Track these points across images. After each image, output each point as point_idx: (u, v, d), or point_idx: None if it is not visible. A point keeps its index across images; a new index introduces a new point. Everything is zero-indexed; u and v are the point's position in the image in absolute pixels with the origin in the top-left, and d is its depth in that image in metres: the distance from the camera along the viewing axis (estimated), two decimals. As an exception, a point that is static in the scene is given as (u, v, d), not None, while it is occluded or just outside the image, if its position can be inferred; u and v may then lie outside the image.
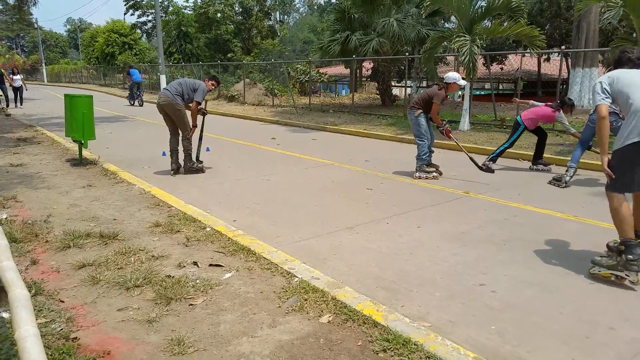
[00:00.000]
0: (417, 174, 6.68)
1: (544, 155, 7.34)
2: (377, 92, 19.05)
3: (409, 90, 16.54)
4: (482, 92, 25.83)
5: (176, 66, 28.82)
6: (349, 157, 8.32)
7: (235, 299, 3.01)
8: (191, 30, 33.63)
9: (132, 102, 20.16)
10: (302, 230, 4.48)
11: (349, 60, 16.59)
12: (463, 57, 10.23)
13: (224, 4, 29.86)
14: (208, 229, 4.29)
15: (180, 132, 6.84)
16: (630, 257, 3.27)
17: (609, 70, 3.71)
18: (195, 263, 3.55)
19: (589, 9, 12.89)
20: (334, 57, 16.49)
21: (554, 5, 19.84)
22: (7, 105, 16.90)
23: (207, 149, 8.03)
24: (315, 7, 57.08)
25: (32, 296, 2.63)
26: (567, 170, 6.27)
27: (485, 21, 12.52)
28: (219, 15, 30.28)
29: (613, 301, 3.11)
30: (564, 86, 16.93)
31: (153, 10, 33.86)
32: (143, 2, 37.41)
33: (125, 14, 38.26)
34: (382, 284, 3.33)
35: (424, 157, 6.65)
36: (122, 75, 32.40)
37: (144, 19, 39.06)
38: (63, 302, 2.95)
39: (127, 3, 37.26)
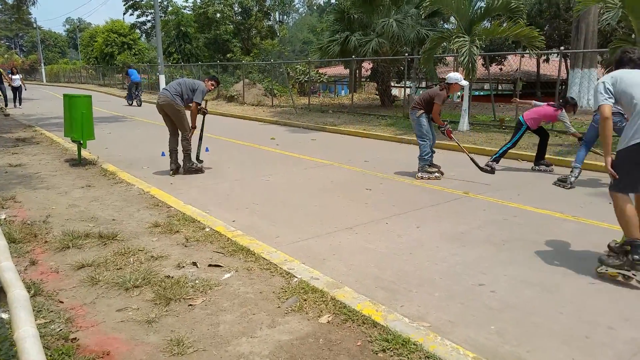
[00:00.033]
0: (420, 175, 6.68)
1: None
2: (377, 92, 19.06)
3: (408, 90, 16.55)
4: (481, 93, 25.84)
5: (175, 66, 28.82)
6: (348, 158, 8.32)
7: (234, 299, 3.01)
8: (190, 30, 33.63)
9: (130, 102, 20.15)
10: (302, 230, 4.48)
11: (348, 60, 16.59)
12: (462, 58, 10.24)
13: (223, 4, 29.86)
14: (207, 229, 4.28)
15: (179, 132, 6.84)
16: (637, 257, 3.27)
17: (609, 71, 3.71)
18: (194, 263, 3.54)
19: (588, 10, 12.91)
20: (333, 57, 16.49)
21: (553, 6, 19.88)
22: (6, 105, 16.86)
23: (207, 149, 8.03)
24: (315, 8, 57.07)
25: (31, 297, 2.63)
26: (571, 171, 6.26)
27: (485, 22, 12.53)
28: (218, 15, 30.28)
29: (613, 301, 3.11)
30: (563, 87, 16.95)
31: (152, 10, 33.80)
32: (142, 2, 37.41)
33: (124, 13, 38.27)
34: (381, 284, 3.33)
35: (426, 157, 6.65)
36: (121, 75, 32.38)
37: (143, 18, 39.09)
38: (62, 302, 2.95)
39: (127, 3, 37.26)
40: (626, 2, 8.37)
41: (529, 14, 16.62)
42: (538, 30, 10.51)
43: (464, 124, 11.25)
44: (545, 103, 7.17)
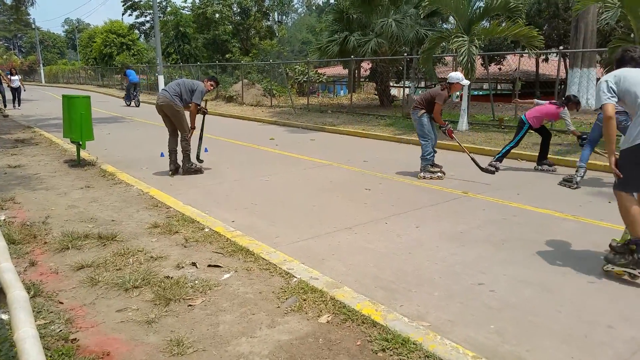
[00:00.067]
0: (422, 174, 6.68)
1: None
2: (376, 92, 19.06)
3: (407, 90, 16.55)
4: (481, 93, 25.84)
5: (174, 67, 28.81)
6: (347, 158, 8.32)
7: (234, 300, 3.01)
8: (189, 30, 33.61)
9: (129, 103, 20.13)
10: (301, 230, 4.48)
11: (347, 60, 16.59)
12: (461, 58, 10.25)
13: (222, 4, 29.86)
14: (207, 230, 4.28)
15: (179, 133, 6.84)
16: None
17: (608, 70, 3.70)
18: (194, 264, 3.54)
19: (587, 9, 12.91)
20: (332, 57, 16.48)
21: (552, 6, 19.90)
22: (5, 106, 16.86)
23: (205, 150, 8.03)
24: (314, 8, 57.09)
25: (30, 297, 2.63)
26: (577, 171, 6.24)
27: (484, 22, 12.53)
28: (217, 15, 30.29)
29: (612, 300, 3.12)
30: (562, 86, 16.96)
31: (151, 11, 33.81)
32: (141, 3, 37.32)
33: (123, 14, 38.03)
34: (380, 284, 3.33)
35: (428, 157, 6.66)
36: (119, 76, 32.38)
37: (142, 19, 38.98)
38: (62, 303, 2.95)
39: (125, 3, 37.17)
40: (625, 1, 8.38)
41: (528, 13, 16.62)
42: (537, 29, 10.53)
43: (463, 123, 11.25)
44: (547, 101, 7.17)
